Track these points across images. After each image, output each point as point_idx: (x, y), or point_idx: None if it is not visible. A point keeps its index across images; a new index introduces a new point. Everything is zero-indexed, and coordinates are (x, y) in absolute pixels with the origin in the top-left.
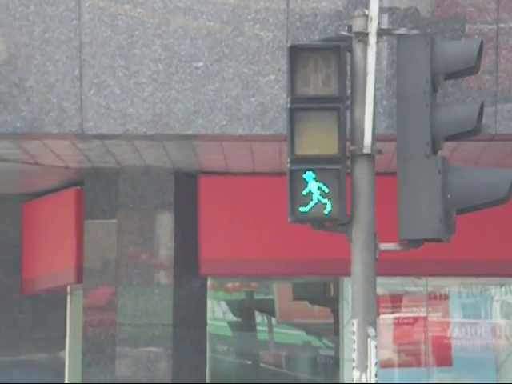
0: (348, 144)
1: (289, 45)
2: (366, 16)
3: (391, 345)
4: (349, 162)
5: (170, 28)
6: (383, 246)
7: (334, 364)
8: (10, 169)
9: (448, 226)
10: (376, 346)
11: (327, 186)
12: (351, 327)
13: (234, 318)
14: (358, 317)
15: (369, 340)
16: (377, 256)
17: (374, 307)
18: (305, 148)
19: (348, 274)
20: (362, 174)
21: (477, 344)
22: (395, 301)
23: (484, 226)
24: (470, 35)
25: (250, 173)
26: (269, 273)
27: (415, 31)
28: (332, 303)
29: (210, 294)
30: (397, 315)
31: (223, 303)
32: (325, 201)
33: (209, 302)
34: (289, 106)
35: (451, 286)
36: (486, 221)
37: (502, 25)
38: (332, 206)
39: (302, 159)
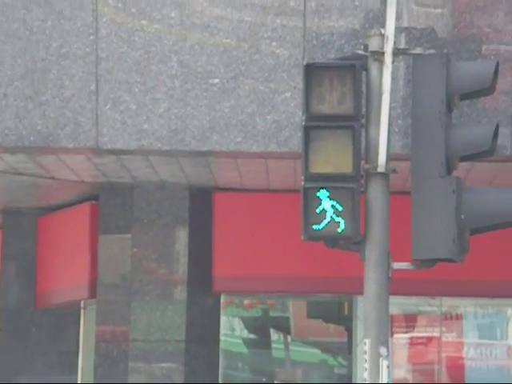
0: (362, 163)
1: (305, 63)
2: (383, 35)
3: (405, 364)
4: (363, 181)
5: (187, 44)
6: (396, 265)
7: (347, 382)
8: (25, 183)
9: (461, 247)
10: (388, 366)
11: (341, 204)
12: (363, 346)
13: (250, 335)
14: (370, 336)
15: (381, 359)
16: (389, 275)
17: (386, 326)
18: (319, 166)
19: (362, 292)
20: (375, 193)
21: (491, 365)
22: (409, 320)
23: (498, 246)
24: (487, 56)
25: (264, 190)
26: (282, 290)
27: (431, 51)
28: (346, 321)
29: (225, 310)
30: (411, 335)
31: (238, 320)
32: (338, 219)
33: (224, 319)
34: (304, 123)
35: (465, 306)
36: (501, 242)
37: None
38: (345, 225)
39: (316, 177)
